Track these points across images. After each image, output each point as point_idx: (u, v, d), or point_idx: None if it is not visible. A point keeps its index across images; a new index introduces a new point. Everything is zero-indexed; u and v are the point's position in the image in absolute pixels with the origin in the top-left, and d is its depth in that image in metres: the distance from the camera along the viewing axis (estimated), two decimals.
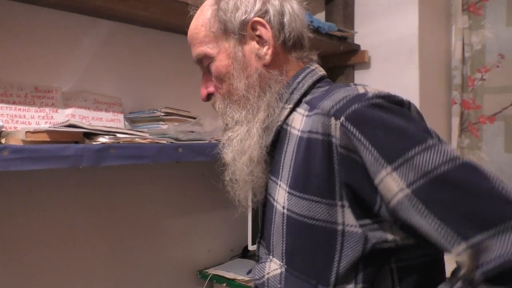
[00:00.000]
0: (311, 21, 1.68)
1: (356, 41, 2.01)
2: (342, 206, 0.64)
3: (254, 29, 0.75)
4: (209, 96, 0.82)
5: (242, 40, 0.76)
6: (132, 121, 1.44)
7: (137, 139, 1.17)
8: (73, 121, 1.09)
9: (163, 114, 1.34)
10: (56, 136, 1.03)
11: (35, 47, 1.25)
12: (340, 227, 0.64)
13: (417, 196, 0.55)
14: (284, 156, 0.72)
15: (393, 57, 1.94)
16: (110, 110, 1.38)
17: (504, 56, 1.96)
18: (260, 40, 0.75)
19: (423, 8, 1.89)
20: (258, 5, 0.75)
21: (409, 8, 1.88)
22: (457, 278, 0.57)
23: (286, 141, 0.73)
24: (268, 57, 0.75)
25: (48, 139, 1.02)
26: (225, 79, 0.77)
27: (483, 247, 0.52)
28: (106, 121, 1.37)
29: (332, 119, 0.63)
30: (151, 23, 1.45)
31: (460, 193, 0.54)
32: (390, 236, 0.63)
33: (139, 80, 1.50)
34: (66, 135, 1.05)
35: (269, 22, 0.75)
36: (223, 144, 0.79)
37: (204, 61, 0.79)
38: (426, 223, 0.55)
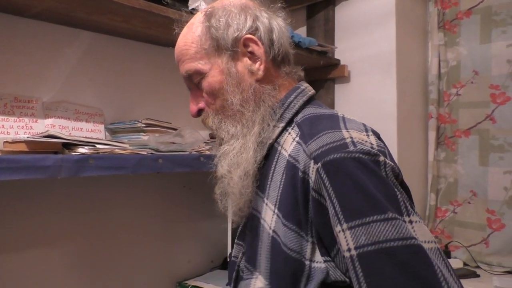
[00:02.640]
0: (292, 36, 1.72)
1: (337, 56, 2.06)
2: (312, 243, 0.66)
3: (246, 45, 0.78)
4: (199, 112, 0.83)
5: (234, 56, 0.78)
6: (112, 131, 1.44)
7: (117, 150, 1.17)
8: (52, 131, 1.09)
9: (144, 125, 1.35)
10: (35, 147, 1.03)
11: (15, 57, 1.25)
12: (307, 262, 0.66)
13: (360, 261, 0.58)
14: (272, 175, 0.74)
15: (372, 72, 1.99)
16: (90, 121, 1.38)
17: (478, 72, 2.03)
18: (252, 56, 0.78)
19: (401, 25, 1.96)
20: (249, 22, 0.78)
21: (387, 24, 1.94)
22: None
23: (276, 160, 0.75)
24: (261, 73, 0.77)
25: (27, 149, 1.02)
26: (218, 95, 0.78)
27: None
28: (86, 132, 1.37)
29: (312, 162, 0.66)
30: (132, 35, 1.46)
31: (398, 272, 0.55)
32: (346, 278, 0.65)
33: (120, 91, 1.50)
34: (45, 146, 1.05)
35: (260, 38, 0.78)
36: (219, 157, 0.80)
37: (195, 77, 0.80)
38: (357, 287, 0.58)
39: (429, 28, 2.18)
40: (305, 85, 0.83)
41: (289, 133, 0.76)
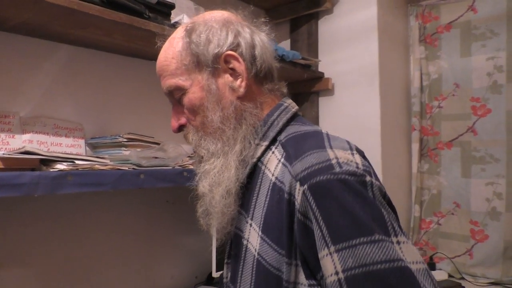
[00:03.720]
0: (276, 49, 1.72)
1: (320, 69, 2.07)
2: (296, 265, 0.65)
3: (227, 62, 0.76)
4: (180, 128, 0.82)
5: (215, 72, 0.76)
6: (93, 146, 1.41)
7: (97, 165, 1.15)
8: (29, 147, 1.06)
9: (125, 139, 1.32)
10: (11, 163, 1.00)
11: None
12: (291, 286, 0.65)
13: (348, 284, 0.57)
14: (257, 196, 0.73)
15: (356, 85, 2.01)
16: (70, 136, 1.35)
17: (459, 85, 2.07)
18: (233, 73, 0.77)
19: (383, 39, 1.98)
20: (230, 38, 0.76)
21: (369, 38, 1.96)
22: None
23: (260, 180, 0.74)
24: (242, 90, 0.76)
25: (2, 166, 0.99)
26: (199, 111, 0.77)
27: None
28: (66, 147, 1.34)
29: (298, 184, 0.64)
30: (114, 48, 1.44)
31: None
32: None
33: (101, 105, 1.48)
34: (21, 162, 1.02)
35: (241, 55, 0.76)
36: (200, 176, 0.78)
37: (176, 93, 0.79)
38: None
39: (411, 42, 2.21)
40: (288, 101, 0.82)
41: (273, 153, 0.74)
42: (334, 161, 0.64)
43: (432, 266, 2.01)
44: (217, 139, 0.76)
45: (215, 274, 1.67)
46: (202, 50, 0.75)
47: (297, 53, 1.85)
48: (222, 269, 1.65)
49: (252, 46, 0.77)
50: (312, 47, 2.10)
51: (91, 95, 1.45)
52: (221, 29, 0.77)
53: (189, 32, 0.78)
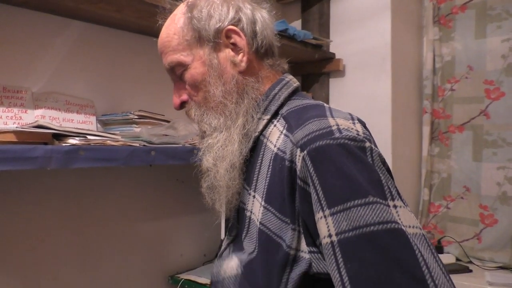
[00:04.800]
0: (287, 29, 1.70)
1: (331, 50, 2.05)
2: (299, 232, 0.66)
3: (228, 37, 0.77)
4: (182, 104, 0.82)
5: (216, 47, 0.77)
6: (104, 123, 1.42)
7: (108, 141, 1.15)
8: (41, 122, 1.07)
9: (136, 117, 1.33)
10: (24, 137, 1.01)
11: (3, 46, 1.22)
12: (293, 252, 0.66)
13: (340, 247, 0.57)
14: (260, 168, 0.74)
15: (367, 66, 1.98)
16: (81, 112, 1.36)
17: (473, 68, 2.03)
18: (235, 48, 0.77)
19: (396, 19, 1.95)
20: (231, 14, 0.77)
21: (382, 18, 1.93)
22: None
23: (262, 153, 0.74)
24: (243, 64, 0.77)
25: (16, 140, 1.00)
26: (201, 86, 0.77)
27: None
28: (77, 123, 1.34)
29: (298, 150, 0.65)
30: (124, 25, 1.44)
31: (378, 257, 0.54)
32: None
33: (112, 82, 1.48)
34: (34, 136, 1.02)
35: (242, 30, 0.77)
36: (203, 151, 0.79)
37: (177, 69, 0.79)
38: (336, 275, 0.56)
39: (424, 23, 2.17)
40: (289, 77, 0.82)
41: (275, 126, 0.75)
42: (334, 128, 0.65)
43: (440, 249, 2.01)
44: (219, 113, 0.77)
45: None
46: (204, 25, 0.76)
47: (308, 33, 1.83)
48: None
49: (253, 22, 0.78)
50: (324, 27, 2.07)
51: (102, 72, 1.45)
52: (222, 4, 0.78)
53: (191, 7, 0.78)
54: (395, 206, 0.58)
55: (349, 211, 0.57)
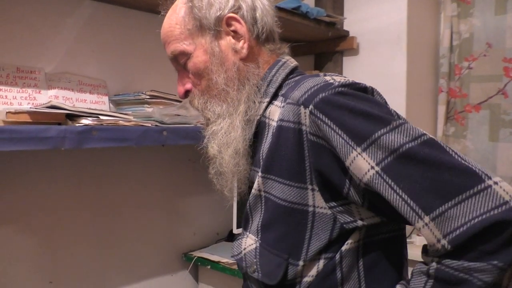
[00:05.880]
0: (299, 6, 1.67)
1: (345, 27, 2.01)
2: (313, 190, 0.68)
3: (229, 24, 0.78)
4: (186, 93, 0.84)
5: (218, 35, 0.78)
6: (116, 103, 1.43)
7: (120, 121, 1.16)
8: (55, 102, 1.08)
9: (148, 97, 1.33)
10: (38, 117, 1.03)
11: (16, 27, 1.23)
12: (311, 209, 0.68)
13: (386, 173, 0.59)
14: (263, 147, 0.75)
15: (382, 44, 1.94)
16: (94, 92, 1.37)
17: (492, 45, 1.97)
18: (236, 35, 0.78)
19: None
20: (231, 1, 0.78)
21: None
22: (427, 255, 0.60)
23: (266, 133, 0.76)
24: (244, 51, 0.78)
25: (30, 120, 1.01)
26: (203, 75, 0.79)
27: (446, 217, 0.55)
28: (90, 103, 1.35)
29: (302, 108, 0.67)
30: (136, 4, 1.43)
31: (424, 168, 0.57)
32: (357, 217, 0.67)
33: (124, 62, 1.48)
34: (48, 116, 1.04)
35: (242, 17, 0.78)
36: (208, 138, 0.81)
37: (180, 58, 0.80)
38: (395, 198, 0.58)
39: None
40: (286, 57, 0.83)
41: (276, 105, 0.76)
42: (330, 80, 0.68)
43: None
44: (222, 100, 0.78)
45: (236, 231, 1.71)
46: (205, 13, 0.77)
47: (322, 10, 1.79)
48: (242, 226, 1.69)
49: (253, 9, 0.79)
50: (337, 4, 2.03)
51: (114, 52, 1.45)
52: None
53: None
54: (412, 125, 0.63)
55: (379, 141, 0.60)
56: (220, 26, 0.77)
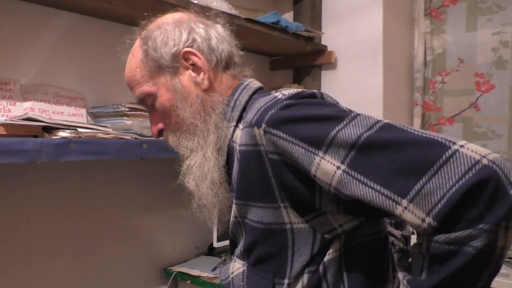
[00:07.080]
0: (279, 21, 1.70)
1: (323, 42, 2.04)
2: (285, 207, 0.68)
3: (186, 59, 0.79)
4: (160, 133, 0.85)
5: (177, 72, 0.80)
6: (95, 116, 1.41)
7: (99, 134, 1.14)
8: (31, 114, 1.06)
9: (127, 109, 1.31)
10: (13, 130, 1.00)
11: None
12: (288, 226, 0.69)
13: (353, 168, 0.59)
14: (234, 173, 0.76)
15: (359, 58, 1.98)
16: (72, 104, 1.34)
17: (463, 60, 2.05)
18: (195, 68, 0.79)
19: (388, 11, 1.95)
20: (184, 36, 0.79)
21: (374, 11, 1.93)
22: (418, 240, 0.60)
23: (235, 158, 0.76)
24: (206, 82, 0.79)
25: (5, 133, 0.99)
26: (170, 112, 0.80)
27: (423, 194, 0.54)
28: (67, 116, 1.33)
29: (255, 129, 0.67)
30: (115, 16, 1.42)
31: (387, 152, 0.57)
32: (335, 224, 0.67)
33: (102, 74, 1.46)
34: (23, 129, 1.01)
35: (198, 49, 0.79)
36: (184, 173, 0.81)
37: (147, 100, 0.82)
38: (368, 192, 0.57)
39: (416, 15, 2.17)
40: (249, 80, 0.84)
41: (240, 129, 0.76)
42: (279, 95, 0.69)
43: None
44: (192, 134, 0.79)
45: (216, 244, 1.69)
46: (161, 53, 0.79)
47: (300, 25, 1.82)
48: (222, 240, 1.67)
49: (208, 39, 0.80)
50: (315, 20, 2.06)
51: (92, 64, 1.43)
52: (174, 29, 0.80)
53: (145, 40, 0.81)
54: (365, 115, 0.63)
55: (337, 138, 0.59)
56: (177, 62, 0.79)
